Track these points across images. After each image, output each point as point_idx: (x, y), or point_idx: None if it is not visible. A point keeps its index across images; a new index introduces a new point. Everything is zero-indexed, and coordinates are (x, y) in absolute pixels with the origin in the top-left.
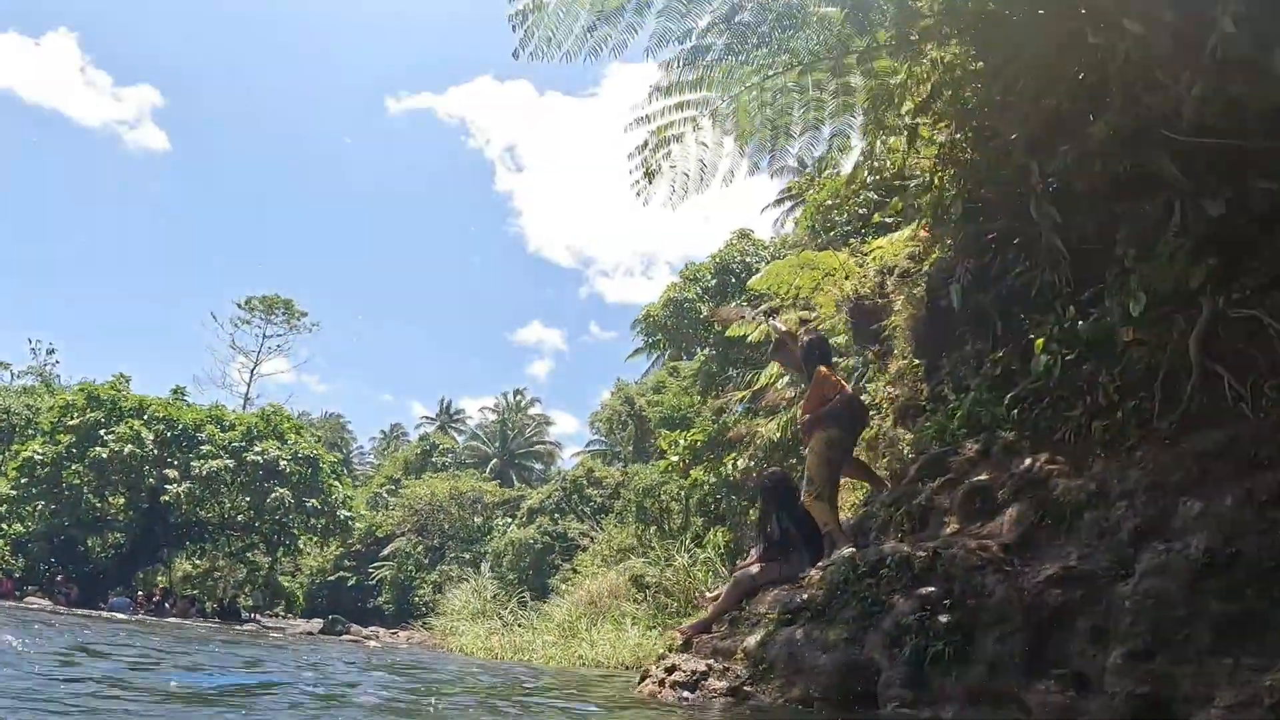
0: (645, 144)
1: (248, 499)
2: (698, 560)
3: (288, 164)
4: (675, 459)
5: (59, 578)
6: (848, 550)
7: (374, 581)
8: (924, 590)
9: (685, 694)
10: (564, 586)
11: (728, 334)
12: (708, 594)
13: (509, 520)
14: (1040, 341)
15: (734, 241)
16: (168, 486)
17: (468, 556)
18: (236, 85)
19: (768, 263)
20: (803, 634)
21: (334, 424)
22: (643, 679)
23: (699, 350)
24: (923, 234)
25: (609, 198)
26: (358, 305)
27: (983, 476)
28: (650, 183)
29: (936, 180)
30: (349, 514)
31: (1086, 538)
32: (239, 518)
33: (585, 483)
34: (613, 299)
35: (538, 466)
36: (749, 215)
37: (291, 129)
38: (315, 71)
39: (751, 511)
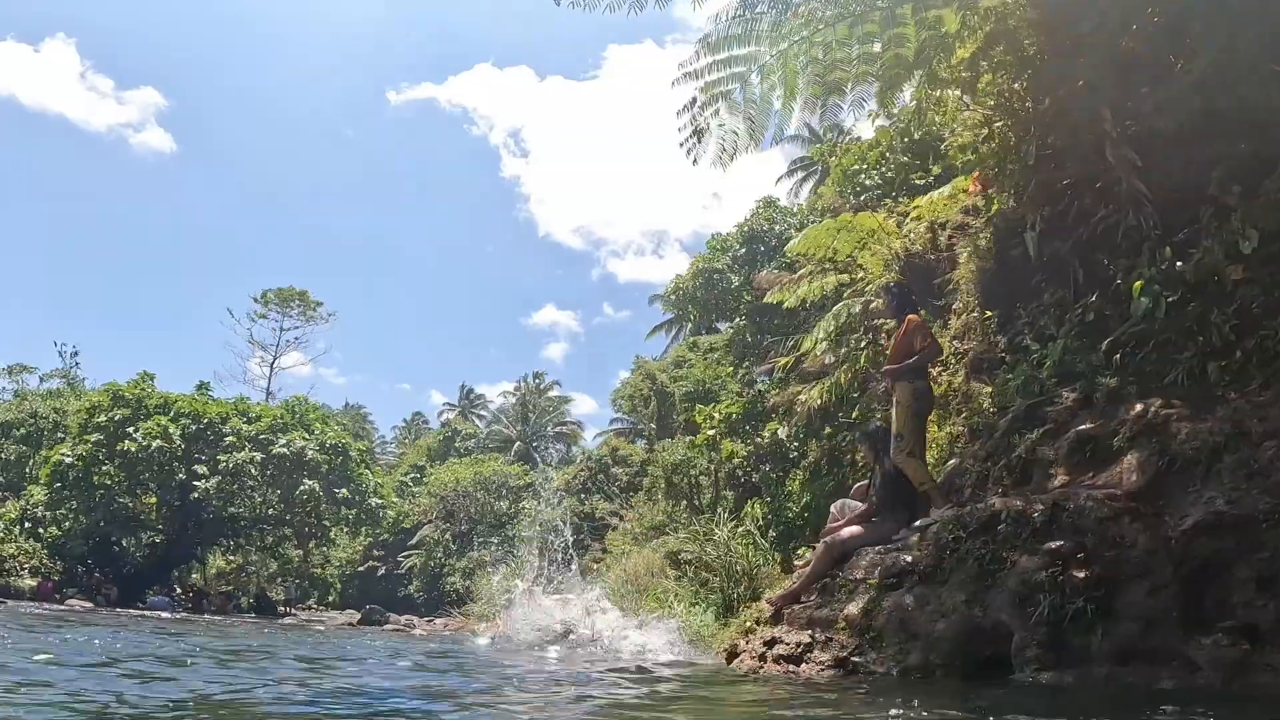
0: (694, 101)
1: (278, 492)
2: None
3: (294, 160)
4: (711, 432)
5: (96, 577)
6: (947, 509)
7: (403, 571)
8: (1052, 545)
9: (791, 668)
10: (596, 567)
11: (766, 299)
12: (798, 564)
13: (536, 502)
14: (1139, 285)
15: (760, 210)
16: (197, 483)
17: (496, 541)
18: (238, 85)
19: (797, 229)
20: (913, 599)
21: (356, 415)
22: (732, 656)
23: (729, 321)
24: (973, 187)
25: (616, 179)
26: (371, 298)
27: (1088, 425)
28: (699, 140)
29: (993, 131)
30: (380, 502)
31: (1231, 481)
32: (269, 511)
33: (611, 461)
34: (625, 278)
35: (558, 447)
36: (759, 190)
37: (295, 126)
38: (314, 67)
39: (789, 481)
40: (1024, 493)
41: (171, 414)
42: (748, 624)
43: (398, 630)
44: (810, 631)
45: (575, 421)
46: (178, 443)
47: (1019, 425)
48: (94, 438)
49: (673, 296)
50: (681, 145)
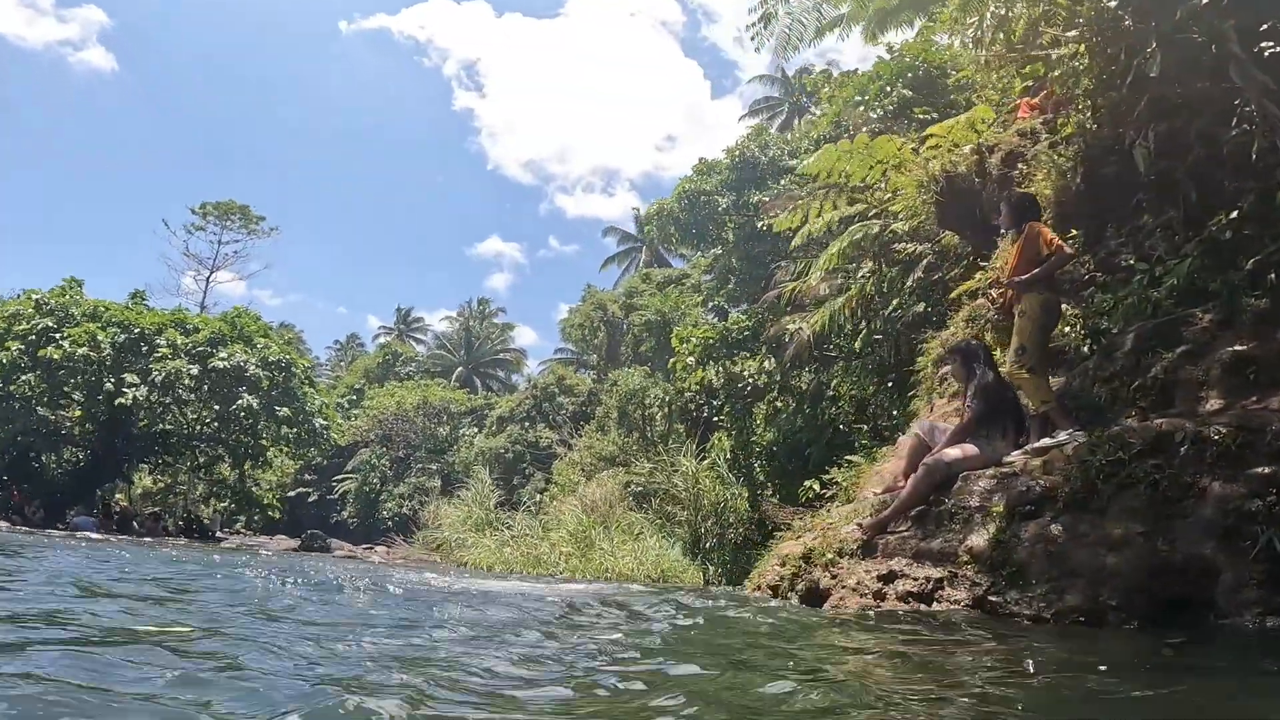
0: None
1: (214, 408)
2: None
3: (240, 85)
4: (690, 359)
5: (15, 496)
6: (1076, 430)
7: (336, 496)
8: (1259, 470)
9: (921, 606)
10: (540, 498)
11: (776, 225)
12: (873, 492)
13: (476, 430)
14: None
15: (750, 135)
16: (126, 390)
17: (435, 467)
18: (186, 8)
19: (791, 156)
20: (1062, 530)
21: (288, 335)
22: (812, 595)
23: (712, 246)
24: (1024, 111)
25: (570, 117)
26: (313, 221)
27: (1241, 347)
28: (765, 26)
29: (1082, 49)
30: (325, 423)
31: None
32: (203, 429)
33: (557, 390)
34: (573, 214)
35: (501, 374)
36: (715, 135)
37: (244, 50)
38: None
39: (754, 415)
40: (1174, 415)
41: (102, 322)
42: (784, 559)
43: (350, 557)
44: (919, 565)
45: (519, 349)
46: (107, 352)
47: (1149, 345)
48: (14, 346)
49: (655, 219)
50: (748, 29)
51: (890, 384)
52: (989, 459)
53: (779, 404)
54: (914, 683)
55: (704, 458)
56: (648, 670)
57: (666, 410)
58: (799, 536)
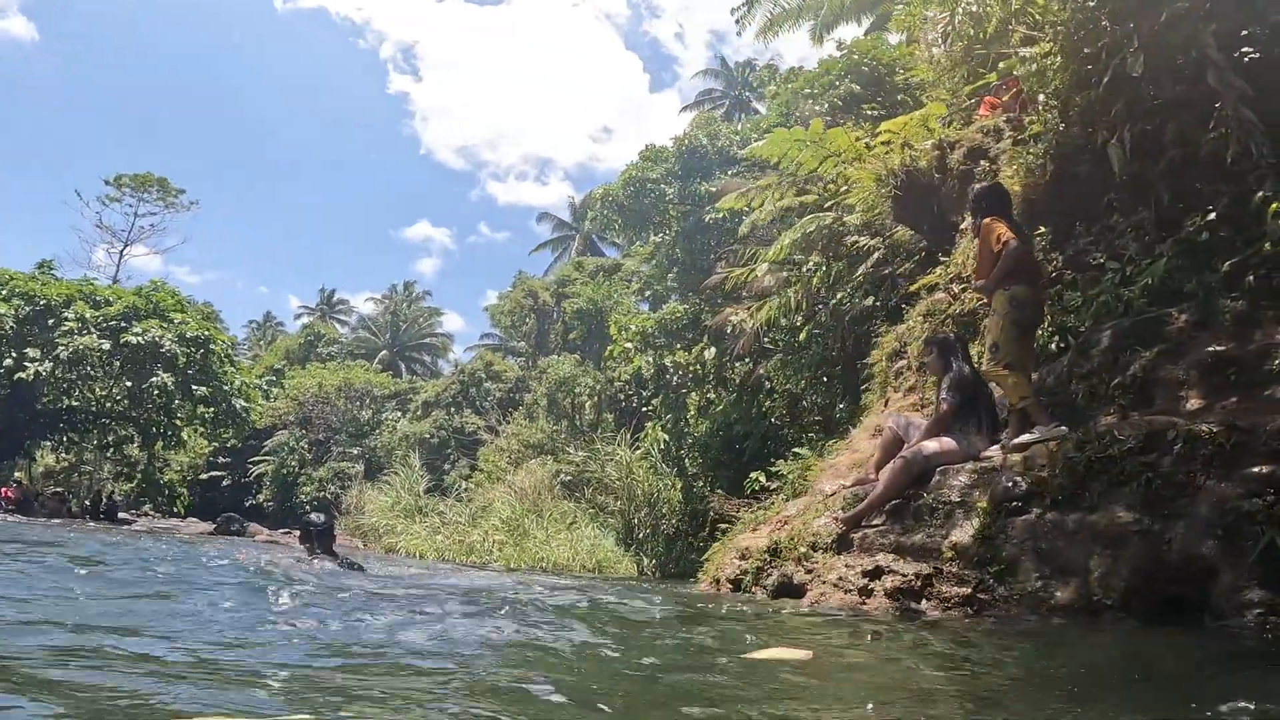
0: None
1: (126, 385)
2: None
3: (167, 58)
4: (628, 345)
5: None
6: (1055, 426)
7: (251, 479)
8: (1256, 470)
9: (911, 604)
10: (466, 484)
11: (721, 205)
12: (842, 485)
13: (399, 414)
14: (1276, 206)
15: (698, 124)
16: (28, 365)
17: (356, 451)
18: None
19: (740, 146)
20: (1051, 526)
21: (206, 312)
22: (784, 590)
23: (656, 234)
24: (984, 110)
25: (507, 104)
26: (235, 197)
27: (1220, 347)
28: (750, 8)
29: (1055, 48)
30: (245, 404)
31: None
32: (113, 406)
33: (484, 376)
34: (505, 201)
35: (426, 358)
36: (652, 128)
37: (171, 24)
38: None
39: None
40: (1153, 414)
41: (5, 293)
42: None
43: (272, 543)
44: (916, 562)
45: (446, 334)
46: (9, 325)
47: (1125, 343)
48: None
49: (598, 204)
50: (733, 12)
51: (827, 378)
52: (966, 453)
53: (711, 396)
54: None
55: (637, 448)
56: None
57: (596, 399)
58: (754, 529)
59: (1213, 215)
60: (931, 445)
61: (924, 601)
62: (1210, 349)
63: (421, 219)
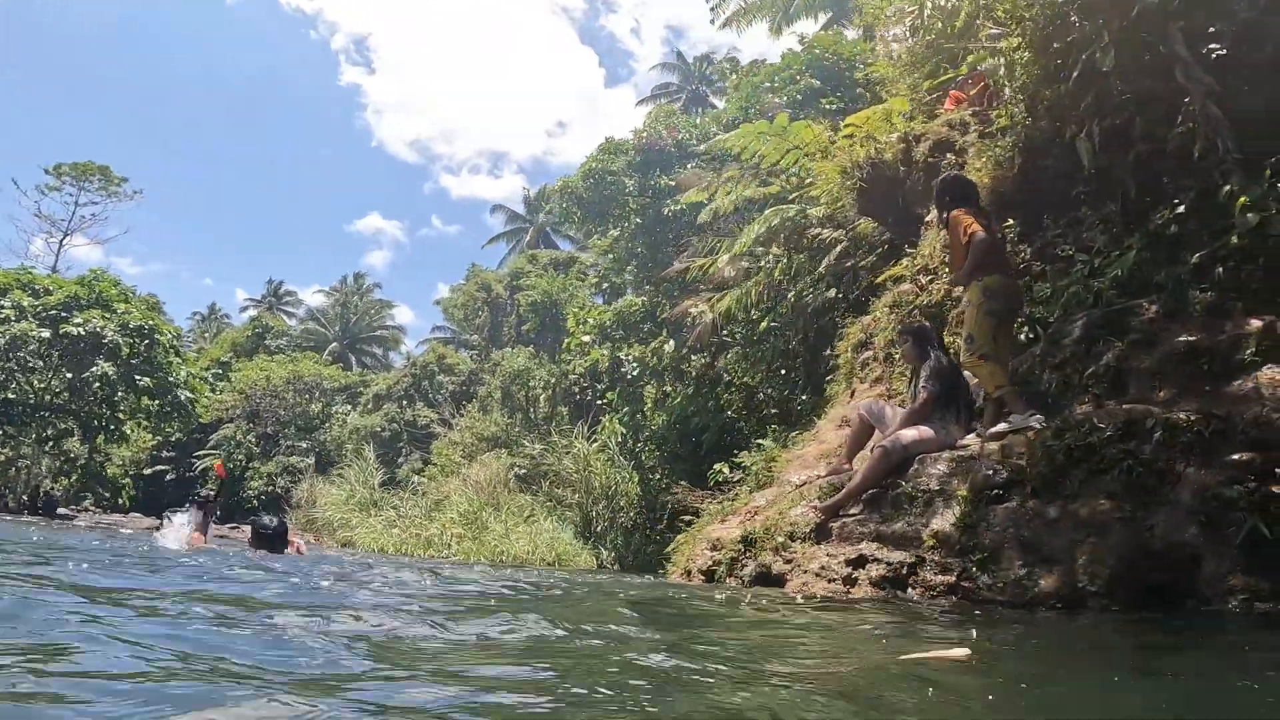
0: None
1: (68, 375)
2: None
3: (112, 45)
4: (586, 339)
5: None
6: (1032, 415)
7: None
8: (1236, 457)
9: (896, 592)
10: (418, 478)
11: (686, 198)
12: (817, 475)
13: (350, 407)
14: (1243, 200)
15: (658, 118)
16: None
17: (305, 445)
18: None
19: (700, 140)
20: (1033, 514)
21: (149, 302)
22: (763, 580)
23: (615, 226)
24: (949, 104)
25: (461, 98)
26: (182, 188)
27: (1191, 337)
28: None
29: (1023, 42)
30: (191, 395)
31: None
32: (53, 399)
33: (437, 369)
34: (458, 194)
35: (377, 351)
36: (607, 122)
37: (117, 9)
38: None
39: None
40: (1128, 403)
41: None
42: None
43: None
44: (897, 550)
45: (398, 327)
46: None
47: (1096, 334)
48: None
49: (558, 196)
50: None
51: (786, 370)
52: (944, 442)
53: (668, 389)
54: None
55: (594, 441)
56: None
57: (551, 392)
58: (722, 520)
59: (1181, 209)
60: (910, 434)
61: (909, 590)
62: (1181, 339)
63: (372, 211)
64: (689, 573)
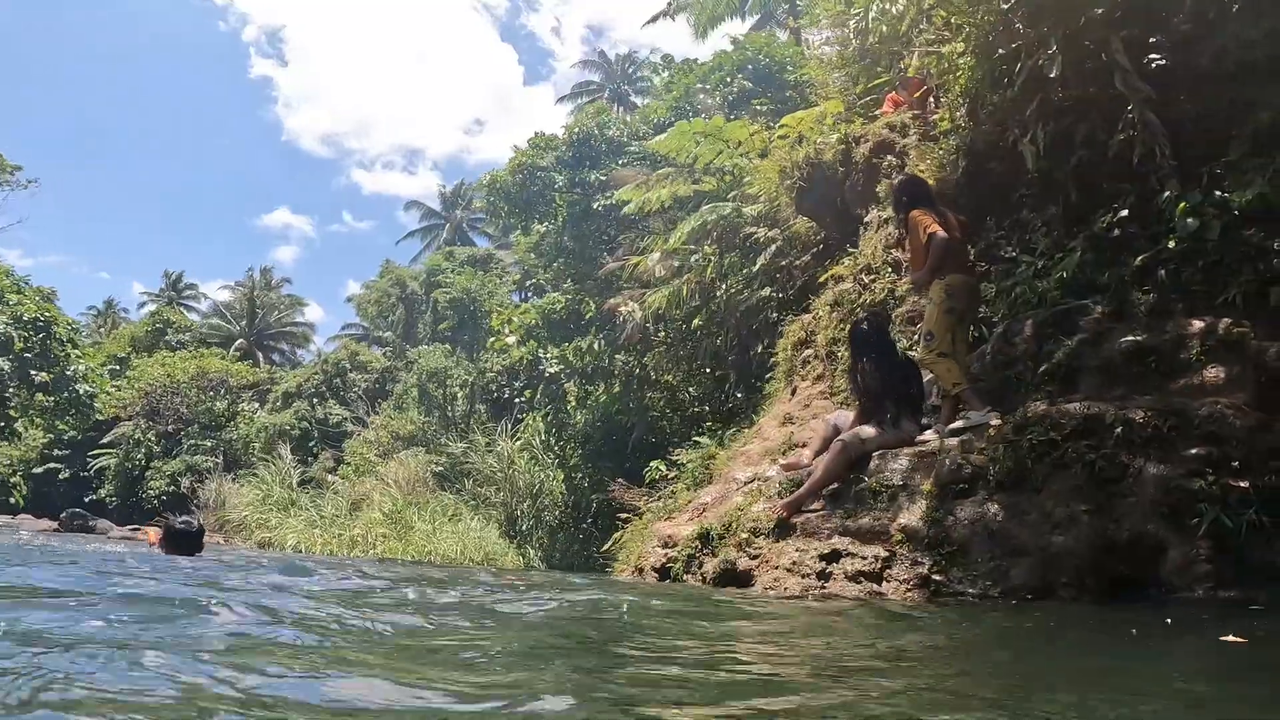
0: None
1: None
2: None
3: (8, 27)
4: (511, 339)
5: None
6: (990, 412)
7: (92, 472)
8: (1194, 452)
9: (874, 587)
10: (333, 477)
11: (619, 195)
12: (778, 468)
13: (257, 405)
14: (1183, 206)
15: (590, 114)
16: None
17: (209, 444)
18: None
19: (632, 137)
20: (999, 508)
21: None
22: (728, 577)
23: (542, 222)
24: (888, 107)
25: (376, 93)
26: (78, 179)
27: (1138, 337)
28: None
29: (965, 48)
30: (91, 389)
31: None
32: None
33: (349, 366)
34: (370, 190)
35: (285, 347)
36: (525, 121)
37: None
38: None
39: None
40: (1083, 399)
41: None
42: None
43: (129, 539)
44: (866, 545)
45: (307, 324)
46: None
47: (1045, 332)
48: None
49: (486, 190)
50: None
51: (713, 370)
52: (901, 438)
53: (590, 386)
54: None
55: (518, 438)
56: None
57: (470, 390)
58: (668, 517)
59: (1124, 213)
60: (869, 430)
61: (884, 584)
62: (1129, 339)
63: (282, 206)
64: (640, 570)
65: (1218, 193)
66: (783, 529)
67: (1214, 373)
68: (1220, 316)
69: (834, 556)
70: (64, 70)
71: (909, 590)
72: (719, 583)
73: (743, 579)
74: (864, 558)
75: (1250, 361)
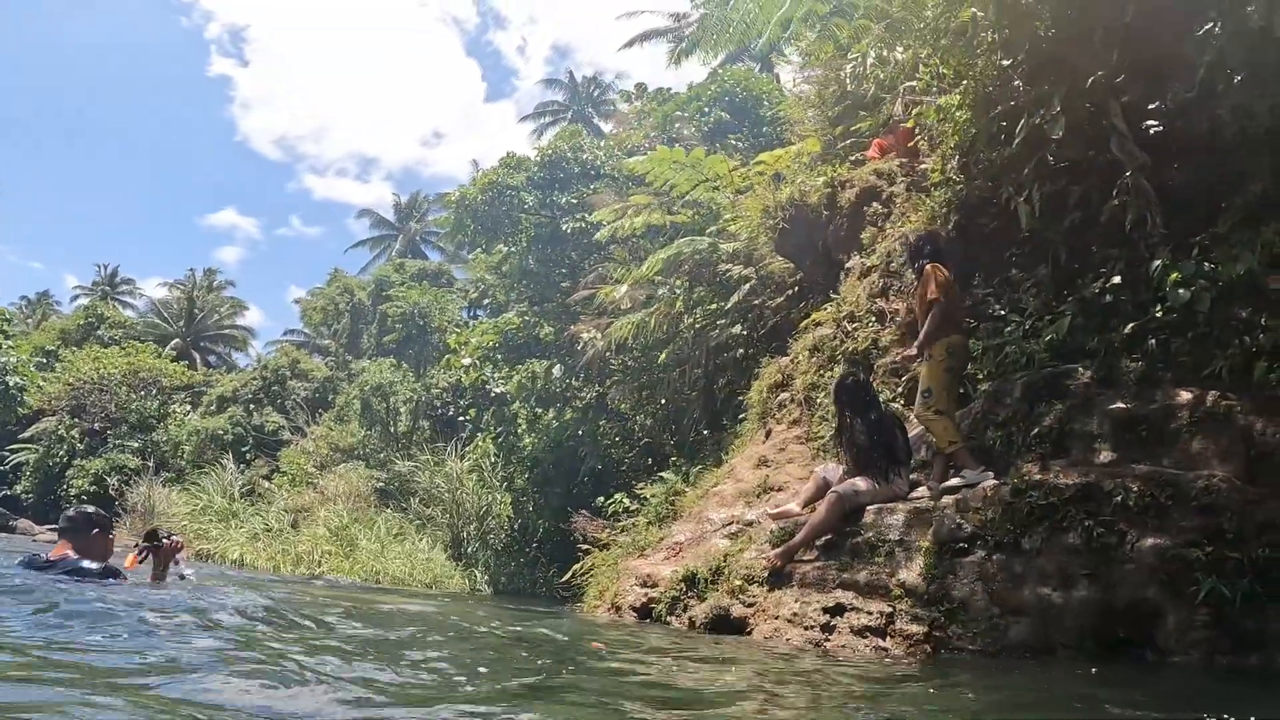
0: None
1: None
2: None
3: None
4: (467, 361)
5: None
6: (983, 473)
7: (9, 467)
8: (1191, 523)
9: (878, 642)
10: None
11: (595, 217)
12: (769, 513)
13: (190, 407)
14: (1175, 275)
15: (563, 137)
16: None
17: (137, 444)
18: None
19: (605, 160)
20: (998, 568)
21: None
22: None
23: (506, 243)
24: (873, 152)
25: (336, 100)
26: (16, 167)
27: (1127, 405)
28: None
29: (962, 101)
30: (20, 381)
31: None
32: None
33: (289, 374)
34: (321, 196)
35: (222, 350)
36: (485, 138)
37: None
38: None
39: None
40: (1071, 465)
41: None
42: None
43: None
44: (866, 599)
45: (247, 328)
46: None
47: (1035, 395)
48: None
49: (454, 205)
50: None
51: (671, 405)
52: (892, 493)
53: (539, 411)
54: None
55: (466, 459)
56: None
57: (414, 405)
58: (641, 554)
59: (1116, 279)
60: (861, 484)
61: (887, 639)
62: (1119, 406)
63: (228, 206)
64: (617, 608)
65: (1207, 264)
66: (777, 578)
67: (1202, 444)
68: (1207, 388)
69: (838, 610)
70: (7, 53)
71: (911, 646)
72: (711, 629)
73: (737, 626)
74: (869, 612)
75: (1239, 435)
